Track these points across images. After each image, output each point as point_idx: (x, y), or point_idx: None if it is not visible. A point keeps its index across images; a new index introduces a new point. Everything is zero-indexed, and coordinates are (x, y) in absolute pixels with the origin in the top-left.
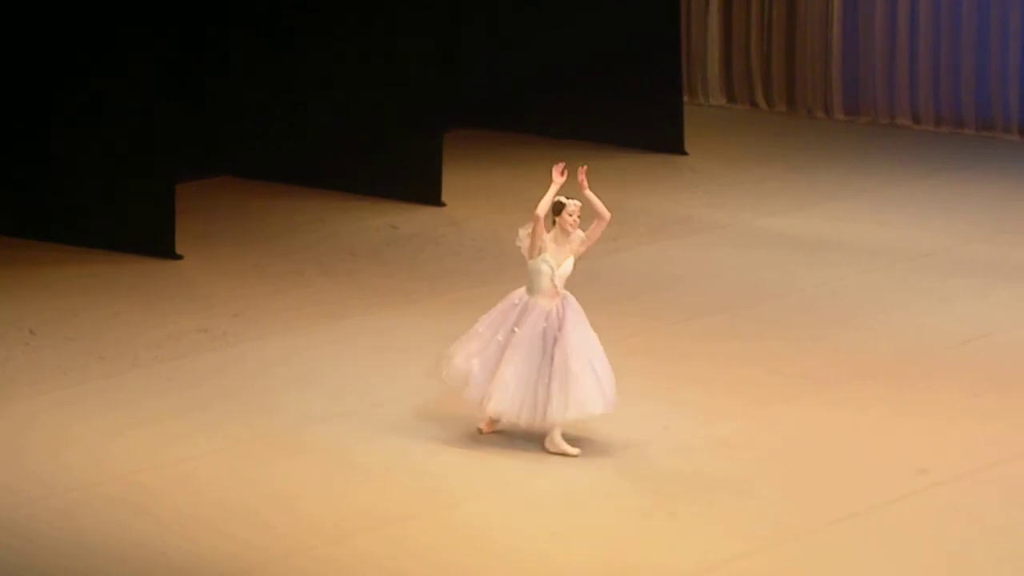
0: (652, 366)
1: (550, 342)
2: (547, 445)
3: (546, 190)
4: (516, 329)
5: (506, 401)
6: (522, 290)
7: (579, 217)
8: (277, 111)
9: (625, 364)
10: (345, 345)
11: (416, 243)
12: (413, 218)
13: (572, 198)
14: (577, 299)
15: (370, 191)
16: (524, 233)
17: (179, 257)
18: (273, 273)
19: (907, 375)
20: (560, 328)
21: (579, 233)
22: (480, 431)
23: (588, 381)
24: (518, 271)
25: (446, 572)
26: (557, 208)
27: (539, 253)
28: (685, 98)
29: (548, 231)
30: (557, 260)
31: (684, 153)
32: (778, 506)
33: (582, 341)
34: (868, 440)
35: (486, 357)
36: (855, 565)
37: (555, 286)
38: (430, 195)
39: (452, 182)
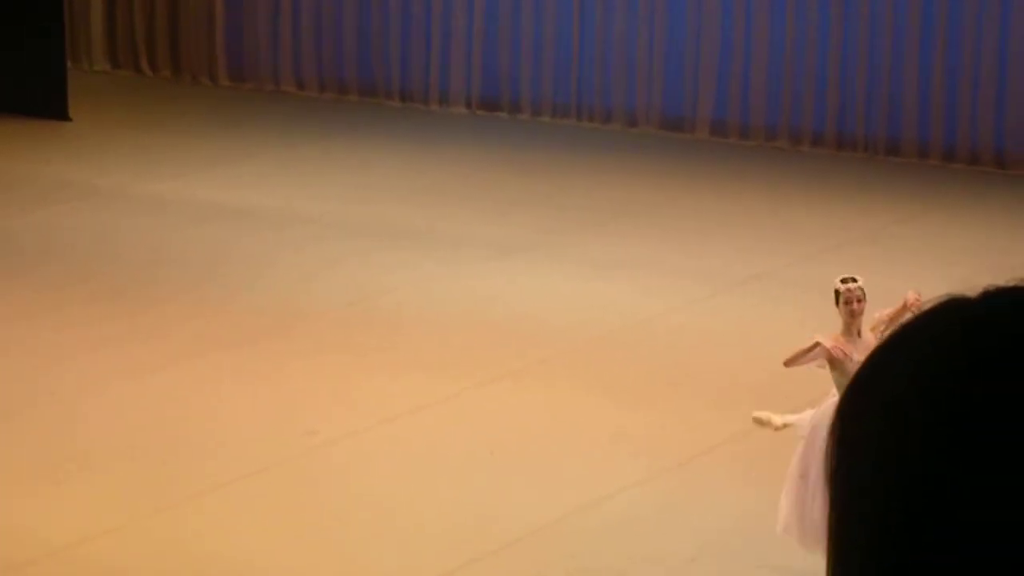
0: (36, 331)
1: None
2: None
3: None
4: None
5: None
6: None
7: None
8: None
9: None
10: None
11: None
12: None
13: (848, 277)
14: None
15: None
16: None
17: None
18: None
19: (299, 338)
20: None
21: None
22: None
23: None
24: None
25: None
26: (839, 299)
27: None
28: (68, 63)
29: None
30: (862, 355)
31: (68, 119)
32: (167, 470)
33: None
34: (260, 402)
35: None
36: (245, 528)
37: None
38: None
39: None
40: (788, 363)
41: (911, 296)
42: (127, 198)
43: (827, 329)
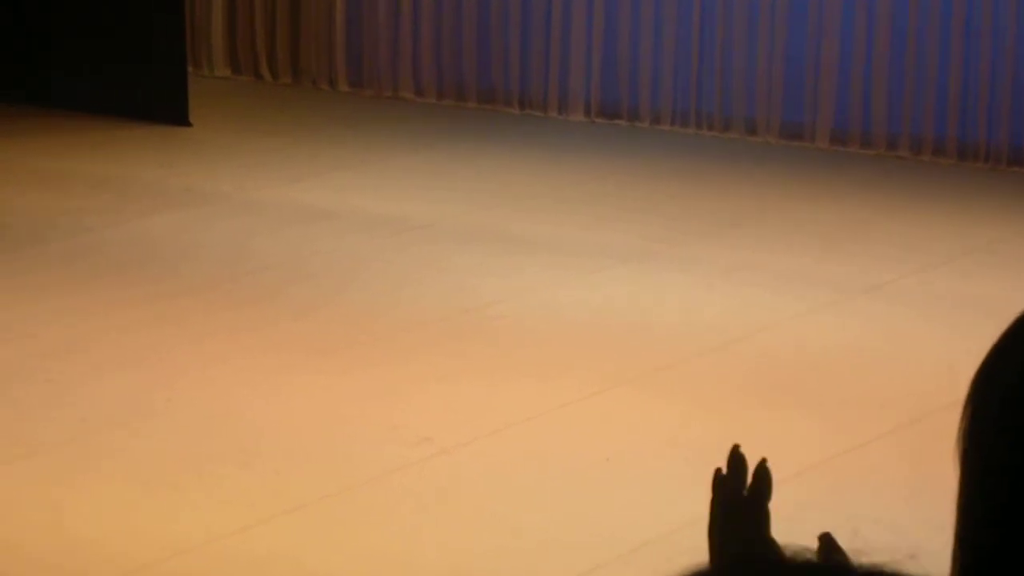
0: (161, 339)
1: None
2: None
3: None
4: None
5: None
6: None
7: None
8: None
9: (142, 334)
10: None
11: None
12: None
13: None
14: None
15: None
16: None
17: None
18: None
19: (409, 344)
20: None
21: None
22: None
23: None
24: None
25: None
26: None
27: None
28: (189, 68)
29: None
30: None
31: (188, 124)
32: (280, 478)
33: None
34: (371, 408)
35: None
36: (357, 535)
37: None
38: None
39: None
40: None
41: None
42: (247, 202)
43: (934, 338)
